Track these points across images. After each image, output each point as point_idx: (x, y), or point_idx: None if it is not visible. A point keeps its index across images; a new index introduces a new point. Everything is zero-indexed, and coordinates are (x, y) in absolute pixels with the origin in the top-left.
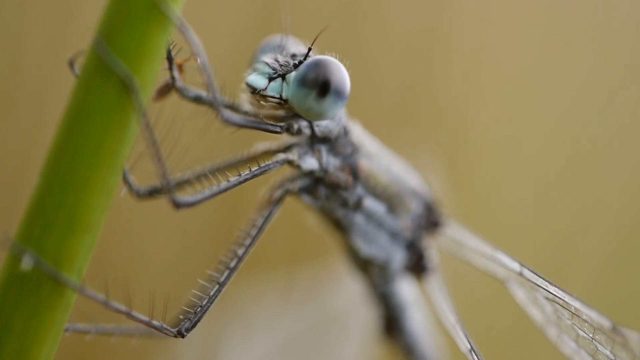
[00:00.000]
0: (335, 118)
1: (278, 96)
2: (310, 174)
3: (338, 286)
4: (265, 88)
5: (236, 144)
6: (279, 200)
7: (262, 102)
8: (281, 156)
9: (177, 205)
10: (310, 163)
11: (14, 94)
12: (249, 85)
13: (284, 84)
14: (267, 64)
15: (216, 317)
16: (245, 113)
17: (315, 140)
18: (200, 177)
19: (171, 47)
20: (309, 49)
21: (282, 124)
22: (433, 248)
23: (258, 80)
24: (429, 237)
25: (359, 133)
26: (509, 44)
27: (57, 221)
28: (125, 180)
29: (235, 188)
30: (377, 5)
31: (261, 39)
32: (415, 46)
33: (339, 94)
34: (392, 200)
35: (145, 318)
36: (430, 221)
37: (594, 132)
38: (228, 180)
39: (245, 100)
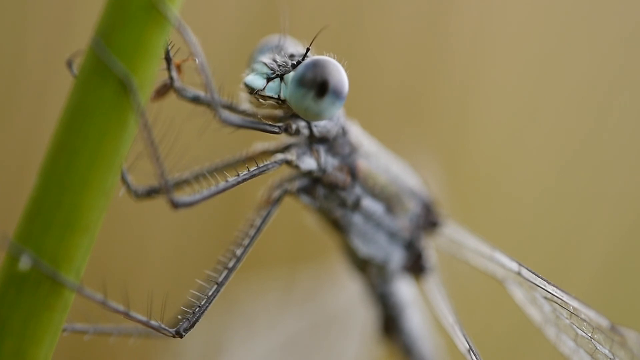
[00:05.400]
0: (334, 118)
1: (276, 96)
2: (308, 174)
3: (337, 286)
4: (264, 88)
5: (234, 144)
6: (278, 200)
7: (260, 102)
8: (279, 156)
9: (176, 205)
10: (308, 163)
11: (14, 93)
12: (247, 86)
13: (282, 84)
14: (265, 64)
15: (216, 317)
16: (244, 113)
17: (314, 141)
18: (198, 177)
19: (169, 47)
20: (307, 49)
21: (280, 124)
22: (431, 248)
23: (256, 80)
24: (428, 237)
25: (357, 133)
26: (509, 43)
27: (55, 221)
28: (124, 180)
29: (233, 188)
30: (376, 4)
31: (260, 39)
32: (414, 45)
33: (337, 94)
34: (390, 200)
35: (143, 318)
36: (429, 221)
37: (594, 130)
38: (226, 181)
39: (243, 100)
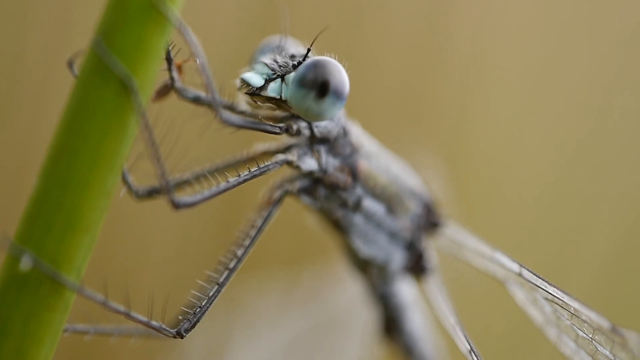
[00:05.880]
0: (335, 119)
1: (277, 97)
2: (309, 174)
3: (338, 287)
4: (263, 88)
5: (235, 144)
6: (278, 200)
7: (260, 102)
8: (280, 157)
9: (176, 205)
10: (309, 164)
11: (14, 93)
12: (243, 82)
13: (283, 84)
14: (266, 64)
15: (218, 317)
16: (245, 114)
17: (315, 141)
18: (199, 178)
19: (170, 47)
20: (308, 50)
21: (281, 124)
22: (432, 248)
23: (253, 77)
24: (428, 238)
25: (358, 133)
26: (509, 42)
27: (56, 221)
28: (125, 180)
29: (234, 189)
30: (376, 4)
31: (260, 40)
32: (414, 45)
33: (338, 95)
34: (391, 201)
35: (144, 318)
36: (430, 221)
37: (594, 130)
38: (227, 181)
39: (243, 101)
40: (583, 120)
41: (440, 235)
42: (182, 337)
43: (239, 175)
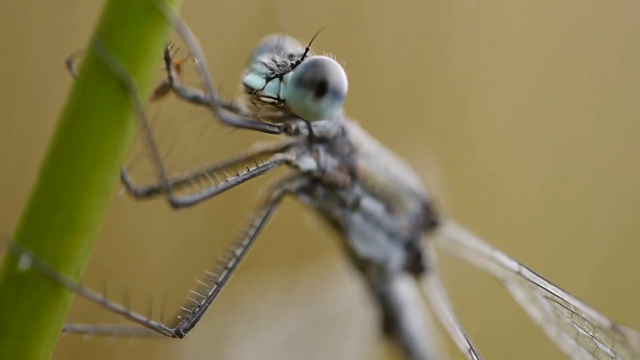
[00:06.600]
0: (333, 118)
1: (275, 96)
2: (308, 174)
3: (337, 286)
4: (263, 88)
5: (234, 144)
6: (277, 200)
7: (259, 102)
8: (279, 156)
9: (175, 205)
10: (308, 163)
11: (14, 93)
12: (246, 85)
13: (282, 84)
14: (264, 64)
15: (217, 317)
16: (243, 113)
17: (313, 141)
18: (198, 177)
19: (169, 47)
20: (307, 49)
21: (279, 124)
22: (431, 248)
23: (255, 80)
24: (427, 237)
25: (357, 133)
26: (509, 41)
27: (55, 221)
28: (123, 180)
29: (233, 188)
30: (376, 4)
31: (259, 39)
32: (414, 45)
33: (337, 94)
34: (390, 200)
35: (143, 318)
36: (428, 221)
37: (594, 130)
38: (226, 180)
39: (242, 101)
40: (583, 120)
41: (439, 235)
42: (181, 336)
43: (238, 175)
